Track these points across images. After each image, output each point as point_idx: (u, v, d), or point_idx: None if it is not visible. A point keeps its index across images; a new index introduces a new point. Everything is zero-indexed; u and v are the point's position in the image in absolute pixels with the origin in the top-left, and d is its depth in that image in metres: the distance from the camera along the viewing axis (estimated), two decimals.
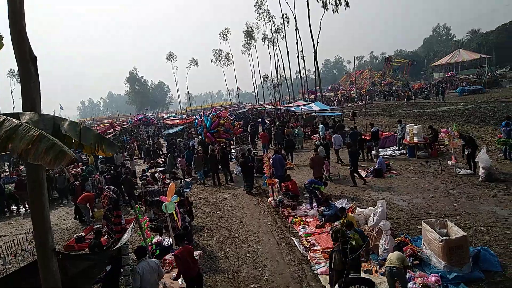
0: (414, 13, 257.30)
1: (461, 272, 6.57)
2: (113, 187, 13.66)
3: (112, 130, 35.79)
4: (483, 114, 25.95)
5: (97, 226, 12.16)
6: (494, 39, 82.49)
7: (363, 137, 18.65)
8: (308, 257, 8.24)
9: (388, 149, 18.93)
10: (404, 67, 78.79)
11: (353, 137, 17.80)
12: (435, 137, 16.21)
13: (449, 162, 13.63)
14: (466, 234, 7.02)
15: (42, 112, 3.95)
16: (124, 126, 52.82)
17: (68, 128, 3.72)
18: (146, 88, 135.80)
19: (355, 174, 13.63)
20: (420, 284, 6.36)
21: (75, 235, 11.36)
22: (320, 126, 22.96)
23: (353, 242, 5.37)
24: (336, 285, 4.95)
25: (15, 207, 17.26)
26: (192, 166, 18.84)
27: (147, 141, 35.00)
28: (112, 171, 16.62)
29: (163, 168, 20.62)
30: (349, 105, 54.68)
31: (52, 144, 2.93)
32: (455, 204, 10.16)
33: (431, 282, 6.38)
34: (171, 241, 9.22)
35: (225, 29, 79.34)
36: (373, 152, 17.48)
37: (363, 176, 14.32)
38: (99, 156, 23.03)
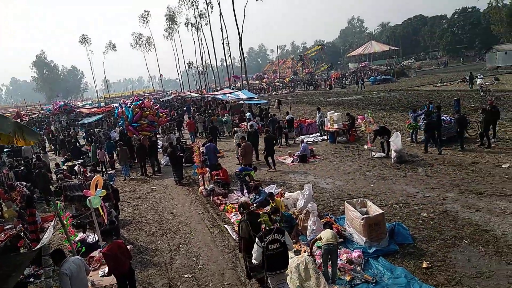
0: (333, 5, 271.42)
1: (379, 246, 7.24)
2: (25, 183, 12.38)
3: (19, 120, 32.18)
4: (393, 101, 28.59)
5: (8, 226, 10.99)
6: (401, 32, 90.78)
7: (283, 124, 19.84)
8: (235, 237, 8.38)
9: (311, 135, 19.91)
10: (321, 55, 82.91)
11: (272, 124, 18.88)
12: (352, 124, 17.45)
13: (366, 146, 14.82)
14: (383, 211, 7.74)
15: None
16: (33, 116, 47.90)
17: None
18: (56, 73, 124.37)
19: (269, 159, 14.39)
20: (345, 260, 6.88)
21: None
22: (248, 114, 23.28)
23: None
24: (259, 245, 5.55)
25: None
26: (115, 158, 17.84)
27: (61, 132, 32.17)
28: (23, 166, 15.03)
29: (82, 160, 19.20)
30: (273, 93, 56.11)
31: None
32: (372, 185, 11.11)
33: (355, 257, 6.94)
34: (96, 237, 8.69)
35: (145, 11, 75.56)
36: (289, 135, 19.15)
37: (290, 161, 14.99)
38: (4, 150, 20.70)
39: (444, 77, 40.66)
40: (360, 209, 8.12)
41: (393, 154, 13.09)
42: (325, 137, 18.90)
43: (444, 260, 6.59)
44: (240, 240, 6.71)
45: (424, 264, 6.49)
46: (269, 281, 5.74)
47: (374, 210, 7.86)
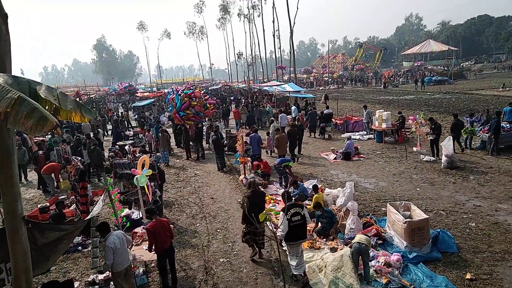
0: (389, 1, 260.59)
1: (420, 252, 6.97)
2: (80, 158, 13.24)
3: (78, 99, 34.34)
4: (448, 104, 27.06)
5: (63, 197, 11.83)
6: (462, 32, 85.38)
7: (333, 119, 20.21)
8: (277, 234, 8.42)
9: (357, 133, 19.42)
10: (375, 54, 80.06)
11: (311, 117, 19.48)
12: (402, 124, 16.79)
13: (414, 149, 14.21)
14: (428, 216, 7.43)
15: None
16: (91, 96, 50.85)
17: (46, 92, 3.51)
18: (114, 57, 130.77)
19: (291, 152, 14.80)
20: (382, 262, 6.70)
21: (39, 205, 10.98)
22: (293, 107, 23.15)
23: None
24: (283, 214, 6.28)
25: None
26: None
27: (115, 112, 33.92)
28: (76, 141, 16.06)
29: (132, 141, 20.15)
30: (321, 88, 55.25)
31: (33, 109, 2.73)
32: (418, 189, 10.66)
33: (393, 260, 6.73)
34: (140, 214, 9.13)
35: (200, 1, 76.92)
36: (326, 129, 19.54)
37: (333, 157, 14.77)
38: (63, 126, 22.14)
39: (508, 81, 37.76)
40: (403, 212, 7.86)
41: (443, 158, 12.45)
42: (371, 135, 18.37)
43: (490, 274, 6.22)
44: (244, 212, 7.38)
45: (468, 276, 6.16)
46: (288, 249, 6.53)
47: (418, 214, 7.57)
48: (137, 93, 48.13)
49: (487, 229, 7.83)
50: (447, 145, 12.34)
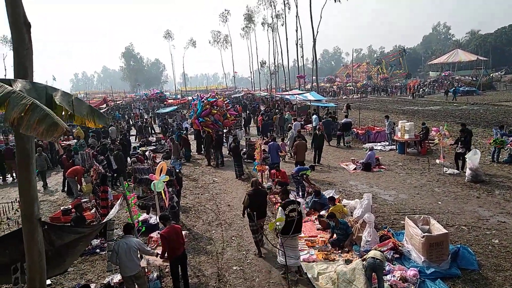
0: (416, 10, 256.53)
1: (439, 268, 6.74)
2: (104, 162, 13.64)
3: (105, 105, 35.41)
4: (475, 116, 26.23)
5: (85, 200, 12.17)
6: (492, 41, 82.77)
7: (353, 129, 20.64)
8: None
9: (379, 144, 19.09)
10: (399, 61, 78.81)
11: (326, 126, 19.45)
12: (426, 135, 16.38)
13: (438, 161, 13.82)
14: (447, 231, 7.19)
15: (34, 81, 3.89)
16: (117, 102, 52.31)
17: (61, 98, 3.66)
18: (141, 65, 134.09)
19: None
20: (398, 277, 6.52)
21: (61, 208, 11.34)
22: (314, 116, 23.03)
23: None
24: (280, 210, 6.97)
25: (1, 176, 16.99)
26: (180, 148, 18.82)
27: (140, 118, 34.73)
28: (101, 146, 16.52)
29: (154, 147, 20.54)
30: (344, 97, 54.73)
31: (45, 115, 2.86)
32: (440, 202, 10.34)
33: (409, 276, 6.54)
34: (157, 219, 9.27)
35: (225, 10, 78.14)
36: (345, 139, 19.64)
37: (353, 168, 14.57)
38: (89, 131, 22.80)
39: None
40: (422, 227, 7.64)
41: (468, 172, 12.04)
42: (393, 146, 18.01)
43: None
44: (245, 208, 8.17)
45: None
46: (281, 241, 6.88)
47: (438, 229, 7.34)
48: (167, 101, 48.83)
49: (511, 246, 7.49)
50: (472, 158, 11.93)
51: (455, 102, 37.06)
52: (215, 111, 18.64)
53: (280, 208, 7.03)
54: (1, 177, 16.96)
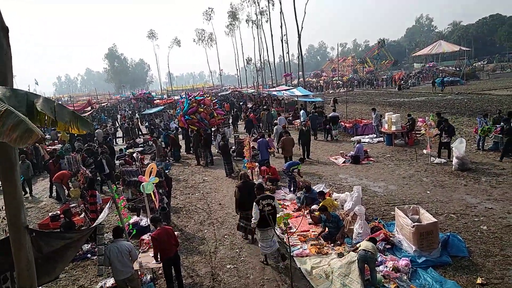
0: (399, 3, 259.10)
1: (430, 256, 6.84)
2: (93, 165, 13.47)
3: (89, 108, 34.90)
4: (460, 105, 26.64)
5: (73, 205, 11.99)
6: (474, 32, 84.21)
7: (341, 122, 20.95)
8: (284, 240, 8.37)
9: (367, 136, 19.24)
10: (386, 60, 79.64)
11: (312, 120, 19.79)
12: (412, 126, 16.58)
13: (425, 151, 14.00)
14: (436, 220, 7.29)
15: (15, 87, 3.79)
16: (102, 104, 51.60)
17: (43, 105, 3.57)
18: (125, 66, 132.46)
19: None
20: (391, 267, 6.59)
21: (50, 213, 11.16)
22: (301, 112, 23.10)
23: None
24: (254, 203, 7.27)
25: None
26: (168, 148, 18.71)
27: (128, 120, 34.32)
28: (86, 149, 16.30)
29: (142, 148, 20.34)
30: (331, 91, 55.01)
31: (19, 121, 2.79)
32: (428, 192, 10.49)
33: (401, 265, 6.62)
34: (148, 222, 9.18)
35: (209, 8, 77.62)
36: (333, 132, 19.98)
37: (342, 161, 14.67)
38: (75, 135, 22.45)
39: None
40: (412, 216, 7.73)
41: (454, 160, 12.23)
42: (381, 138, 18.18)
43: (502, 278, 6.06)
44: (236, 201, 8.54)
45: (479, 280, 6.01)
46: (258, 233, 7.48)
47: (427, 218, 7.44)
48: (154, 101, 48.13)
49: (499, 232, 7.64)
50: (458, 146, 12.11)
51: (442, 93, 37.48)
52: (202, 110, 18.55)
53: (254, 203, 7.27)
54: None
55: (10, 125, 2.74)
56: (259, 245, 7.64)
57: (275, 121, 21.29)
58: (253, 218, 7.23)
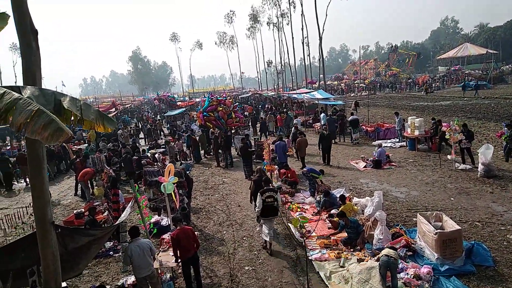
0: (423, 4, 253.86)
1: (453, 265, 6.66)
2: (118, 164, 13.81)
3: (114, 109, 35.75)
4: (486, 110, 25.85)
5: (97, 203, 12.30)
6: (502, 34, 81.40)
7: (362, 126, 21.05)
8: (303, 243, 8.33)
9: (389, 141, 18.93)
10: (409, 58, 78.05)
11: (330, 123, 19.61)
12: (436, 131, 16.19)
13: (449, 157, 13.63)
14: (460, 228, 7.10)
15: (43, 87, 3.95)
16: (126, 106, 52.73)
17: (70, 103, 3.72)
18: (149, 68, 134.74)
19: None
20: (412, 274, 6.45)
21: (75, 211, 11.49)
22: (322, 115, 22.94)
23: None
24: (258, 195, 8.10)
25: (11, 183, 17.13)
26: (190, 149, 18.97)
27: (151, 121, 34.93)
28: (111, 149, 16.72)
29: (163, 149, 20.64)
30: (352, 95, 54.39)
31: (50, 120, 2.94)
32: (452, 199, 10.22)
33: (423, 273, 6.47)
34: (169, 221, 9.32)
35: (230, 11, 78.24)
36: (353, 136, 19.82)
37: (363, 166, 14.47)
38: (101, 134, 23.03)
39: None
40: (435, 223, 7.56)
41: (480, 167, 11.87)
42: (404, 143, 17.83)
43: None
44: (251, 193, 9.52)
45: None
46: (262, 221, 8.31)
47: (451, 225, 7.25)
48: (177, 104, 48.56)
49: None
50: (485, 152, 11.75)
51: (474, 97, 35.70)
52: (221, 108, 19.00)
53: (258, 194, 8.08)
54: (9, 185, 16.83)
55: (42, 124, 2.90)
56: (261, 230, 8.38)
57: (295, 123, 21.40)
58: (256, 207, 8.18)
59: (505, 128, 14.18)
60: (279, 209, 8.43)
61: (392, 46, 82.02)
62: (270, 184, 9.36)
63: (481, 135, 17.27)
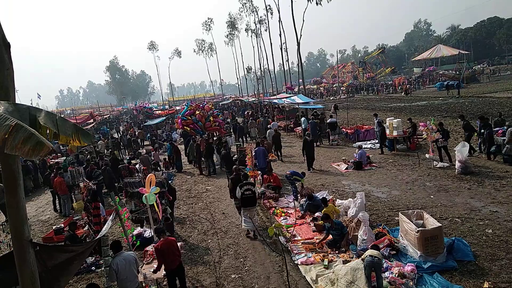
0: (397, 8, 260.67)
1: (435, 261, 6.79)
2: (101, 176, 13.55)
3: (92, 120, 35.02)
4: (461, 108, 26.62)
5: (77, 217, 11.99)
6: (472, 35, 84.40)
7: (342, 128, 21.55)
8: (289, 248, 8.35)
9: (369, 142, 19.22)
10: (383, 60, 79.86)
11: (311, 127, 19.70)
12: (414, 131, 16.56)
13: (427, 155, 13.97)
14: (441, 225, 7.24)
15: (18, 101, 3.84)
16: (105, 116, 51.80)
17: (45, 118, 3.63)
18: (127, 77, 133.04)
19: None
20: (396, 273, 6.54)
21: (54, 227, 11.15)
22: (303, 119, 23.13)
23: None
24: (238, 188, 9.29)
25: None
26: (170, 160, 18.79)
27: (128, 131, 34.41)
28: (96, 161, 16.38)
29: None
30: (331, 98, 55.10)
31: (29, 135, 2.86)
32: (432, 196, 10.44)
33: (407, 271, 6.57)
34: (152, 233, 9.17)
35: (208, 19, 78.13)
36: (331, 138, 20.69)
37: (344, 168, 14.62)
38: (80, 147, 22.53)
39: None
40: (416, 221, 7.69)
41: (457, 164, 12.19)
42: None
43: (509, 282, 5.99)
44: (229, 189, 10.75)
45: (486, 285, 5.95)
46: (242, 211, 9.43)
47: (431, 223, 7.39)
48: (154, 115, 47.86)
49: (504, 235, 7.58)
50: (461, 150, 12.08)
51: (439, 97, 37.15)
52: (198, 112, 19.48)
53: (238, 187, 9.24)
54: None
55: (21, 138, 2.82)
56: (241, 220, 9.51)
57: (269, 125, 22.86)
58: (235, 200, 9.74)
59: (478, 121, 14.65)
60: (256, 200, 9.64)
61: (381, 47, 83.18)
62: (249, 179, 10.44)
63: (457, 133, 17.75)
